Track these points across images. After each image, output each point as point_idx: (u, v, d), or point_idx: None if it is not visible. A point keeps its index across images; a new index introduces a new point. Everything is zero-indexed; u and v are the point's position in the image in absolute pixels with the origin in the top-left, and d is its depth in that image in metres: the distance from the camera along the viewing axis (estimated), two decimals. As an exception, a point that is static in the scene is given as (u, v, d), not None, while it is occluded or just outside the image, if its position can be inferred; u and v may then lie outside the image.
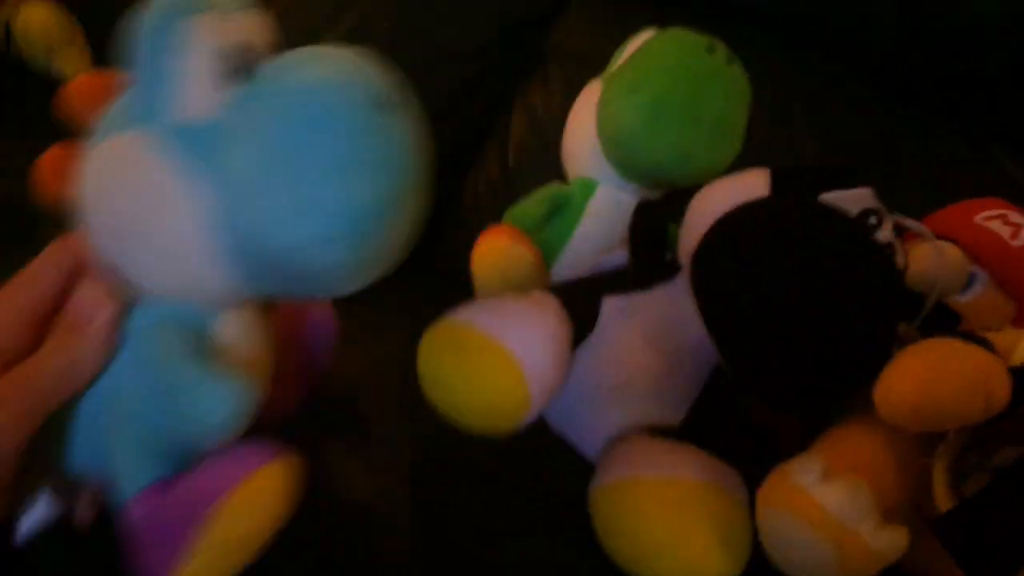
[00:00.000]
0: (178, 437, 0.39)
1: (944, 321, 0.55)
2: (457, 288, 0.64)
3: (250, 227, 0.37)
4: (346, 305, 0.63)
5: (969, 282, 0.59)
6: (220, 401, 0.38)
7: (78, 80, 0.43)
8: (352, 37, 0.89)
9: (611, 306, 0.52)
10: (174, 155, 0.38)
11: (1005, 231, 0.59)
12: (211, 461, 0.39)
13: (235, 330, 0.43)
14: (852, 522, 0.40)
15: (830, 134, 0.80)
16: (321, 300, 0.51)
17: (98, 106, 0.41)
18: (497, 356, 0.44)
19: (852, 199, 0.49)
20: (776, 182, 0.50)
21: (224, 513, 0.37)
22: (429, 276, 0.80)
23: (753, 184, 0.51)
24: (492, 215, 0.69)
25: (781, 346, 0.44)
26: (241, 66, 0.39)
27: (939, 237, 0.55)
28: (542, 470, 0.54)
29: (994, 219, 0.60)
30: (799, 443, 0.51)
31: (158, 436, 0.39)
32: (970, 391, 0.39)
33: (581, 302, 0.51)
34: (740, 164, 0.62)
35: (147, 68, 0.38)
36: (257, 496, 0.38)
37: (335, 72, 0.38)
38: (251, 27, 0.40)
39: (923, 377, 0.40)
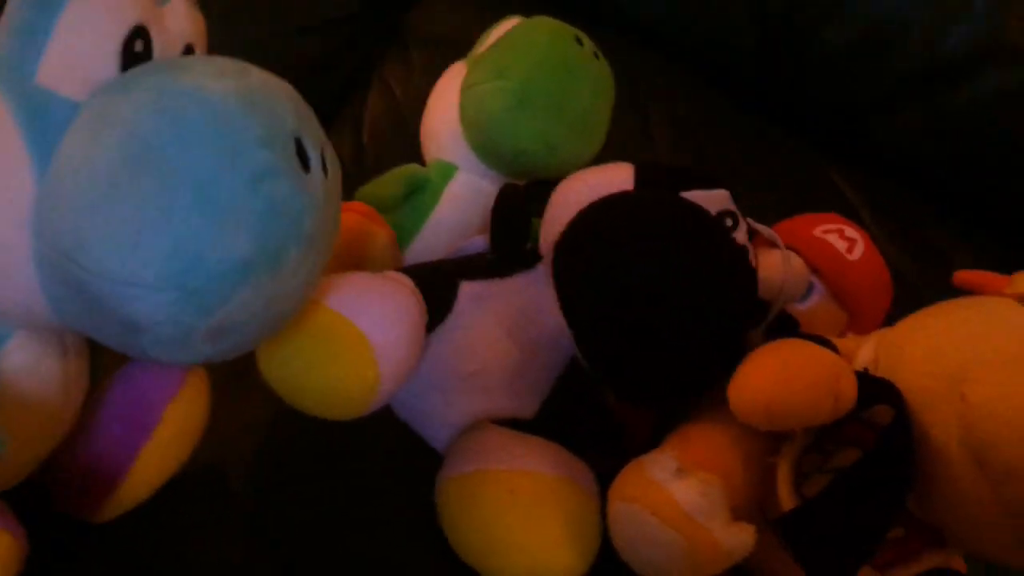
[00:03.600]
0: None
1: (785, 327, 0.56)
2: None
3: (67, 238, 0.30)
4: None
5: (807, 291, 0.61)
6: None
7: None
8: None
9: (468, 292, 0.50)
10: (15, 123, 0.31)
11: (841, 244, 0.62)
12: None
13: (26, 358, 0.36)
14: (704, 518, 0.40)
15: (684, 140, 0.82)
16: (138, 357, 0.42)
17: None
18: (347, 335, 0.41)
19: (711, 200, 0.50)
20: (639, 176, 0.50)
21: None
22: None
23: (617, 177, 0.50)
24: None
25: (639, 340, 0.44)
26: (140, 54, 0.32)
27: (781, 246, 0.56)
28: (385, 460, 0.51)
29: (831, 232, 0.63)
30: (647, 438, 0.51)
31: None
32: (821, 390, 0.40)
33: (437, 285, 0.49)
34: (597, 161, 0.62)
35: (26, 14, 0.31)
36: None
37: (244, 92, 0.31)
38: (180, 15, 0.34)
39: (776, 375, 0.40)
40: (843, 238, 0.63)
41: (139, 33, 0.32)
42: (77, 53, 0.31)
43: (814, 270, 0.61)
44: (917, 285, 0.77)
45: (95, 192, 0.30)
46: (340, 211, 0.37)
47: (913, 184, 0.83)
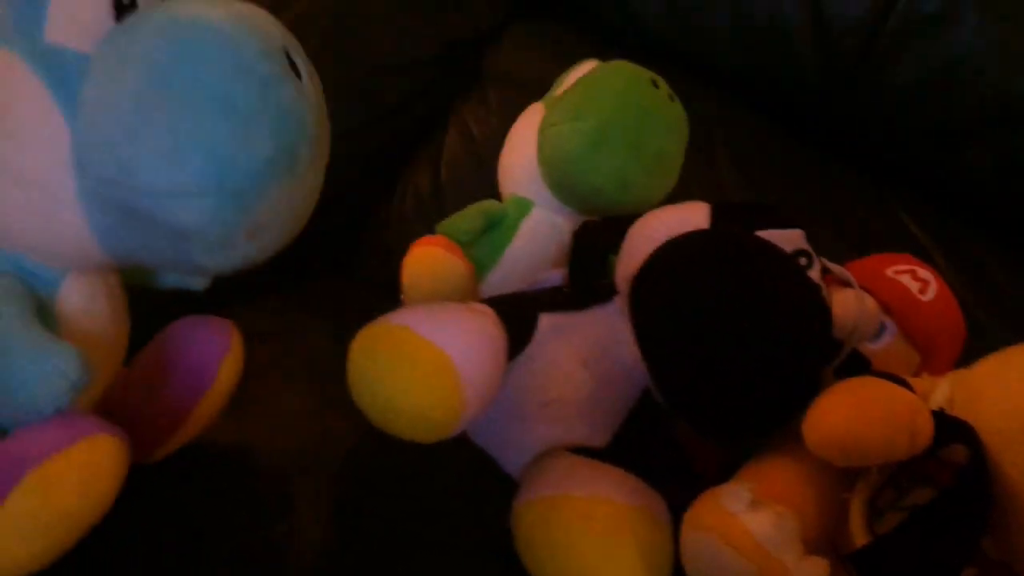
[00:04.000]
0: None
1: (857, 366, 0.56)
2: (376, 296, 0.63)
3: (111, 167, 0.34)
4: (262, 301, 0.62)
5: (879, 331, 0.61)
6: (47, 374, 0.34)
7: None
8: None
9: (546, 323, 0.52)
10: (38, 79, 0.35)
11: (914, 286, 0.62)
12: (31, 428, 0.35)
13: (80, 299, 0.39)
14: (777, 551, 0.40)
15: (751, 180, 0.83)
16: (195, 275, 0.47)
17: None
18: (435, 360, 0.43)
19: (785, 239, 0.50)
20: (715, 215, 0.51)
21: (34, 481, 0.33)
22: (347, 282, 0.78)
23: (693, 215, 0.51)
24: (418, 227, 0.69)
25: (714, 375, 0.45)
26: (128, 5, 0.36)
27: (853, 286, 0.57)
28: (459, 483, 0.52)
29: (904, 273, 0.63)
30: (715, 471, 0.52)
31: None
32: (897, 428, 0.40)
33: (518, 317, 0.50)
34: (668, 200, 0.63)
35: None
36: (76, 468, 0.34)
37: (237, 16, 0.35)
38: None
39: (853, 412, 0.41)
40: (916, 279, 0.63)
41: None
42: (77, 9, 0.35)
43: (886, 310, 0.61)
44: (986, 327, 0.76)
45: (129, 121, 0.33)
46: (326, 115, 0.40)
47: (981, 226, 0.82)
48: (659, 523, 0.46)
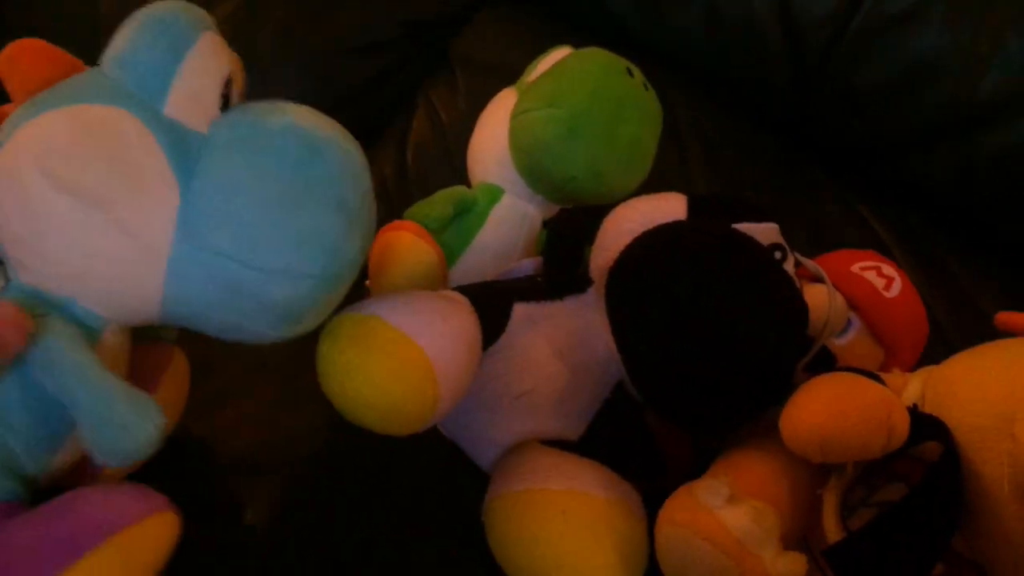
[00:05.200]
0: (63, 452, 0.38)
1: (823, 362, 0.57)
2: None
3: (227, 239, 0.37)
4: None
5: (845, 327, 0.61)
6: (148, 423, 0.36)
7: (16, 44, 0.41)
8: (236, 21, 0.84)
9: (520, 313, 0.51)
10: (157, 142, 0.37)
11: (879, 282, 0.62)
12: (90, 493, 0.37)
13: (112, 351, 0.41)
14: (755, 546, 0.40)
15: (718, 173, 0.83)
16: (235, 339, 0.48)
17: (36, 74, 0.39)
18: (408, 352, 0.42)
19: (761, 232, 0.50)
20: (692, 207, 0.51)
21: (115, 545, 0.35)
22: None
23: (670, 206, 0.51)
24: (382, 212, 0.67)
25: (690, 368, 0.44)
26: (227, 96, 0.40)
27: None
28: (430, 476, 0.52)
29: (869, 270, 0.64)
30: (687, 464, 0.52)
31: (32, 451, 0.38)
32: (875, 425, 0.40)
33: (492, 306, 0.49)
34: (639, 192, 0.62)
35: (147, 54, 0.38)
36: (145, 540, 0.36)
37: (341, 131, 0.41)
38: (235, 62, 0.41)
39: (831, 408, 0.41)
40: (881, 275, 0.63)
41: (228, 80, 0.40)
42: (200, 91, 0.39)
43: (852, 306, 0.62)
44: (945, 327, 0.77)
45: (259, 204, 0.37)
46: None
47: (942, 224, 0.83)
48: (635, 516, 0.45)
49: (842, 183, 0.85)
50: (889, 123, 0.81)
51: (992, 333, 0.49)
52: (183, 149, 0.37)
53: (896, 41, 0.78)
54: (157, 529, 0.37)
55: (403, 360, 0.42)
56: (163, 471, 0.45)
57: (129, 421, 0.35)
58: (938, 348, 0.61)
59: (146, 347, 0.47)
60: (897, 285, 0.62)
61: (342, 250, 0.39)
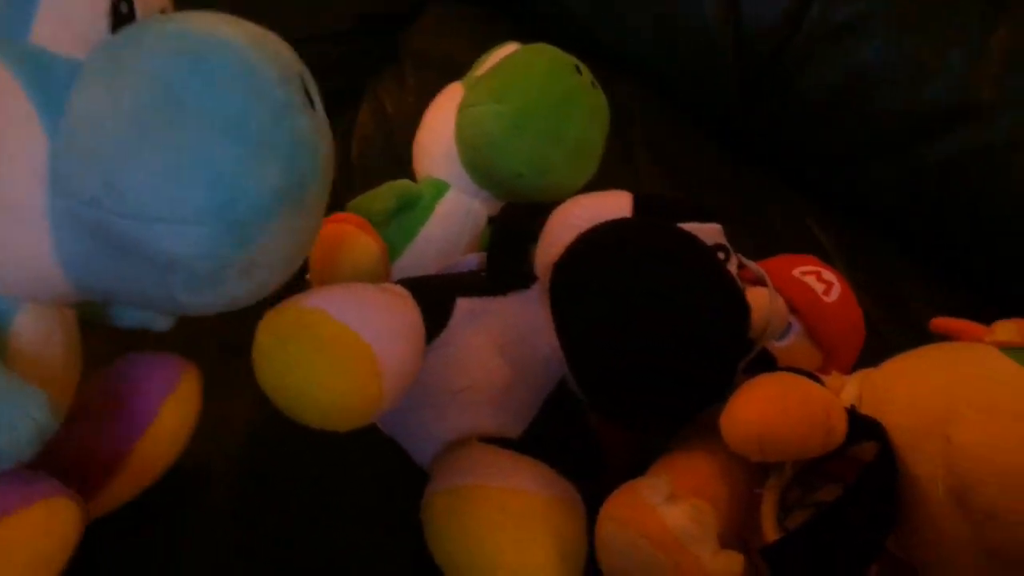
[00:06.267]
0: None
1: (763, 363, 0.57)
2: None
3: (95, 184, 0.30)
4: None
5: (785, 330, 0.62)
6: (14, 420, 0.31)
7: None
8: (181, 6, 0.81)
9: (463, 307, 0.50)
10: (16, 81, 0.31)
11: (819, 287, 0.63)
12: None
13: (35, 335, 0.35)
14: (693, 544, 0.40)
15: (665, 174, 0.83)
16: (167, 313, 0.43)
17: None
18: (352, 347, 0.40)
19: (704, 233, 0.51)
20: (638, 205, 0.51)
21: None
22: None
23: (616, 204, 0.51)
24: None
25: (633, 366, 0.44)
26: (126, 15, 0.34)
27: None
28: (367, 473, 0.51)
29: (809, 274, 0.64)
30: (627, 462, 0.51)
31: None
32: (813, 425, 0.40)
33: (434, 300, 0.49)
34: (585, 190, 0.62)
35: None
36: (29, 532, 0.32)
37: (255, 37, 0.33)
38: None
39: (770, 406, 0.41)
40: (821, 280, 0.64)
41: None
42: (70, 13, 0.33)
43: (792, 310, 0.62)
44: (882, 331, 0.78)
45: (124, 135, 0.30)
46: (333, 151, 0.38)
47: (883, 234, 0.85)
48: (574, 514, 0.45)
49: (788, 190, 0.87)
50: (833, 131, 0.83)
51: (928, 338, 0.50)
52: (49, 82, 0.31)
53: (841, 50, 0.80)
54: (42, 519, 0.32)
55: (347, 356, 0.40)
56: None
57: (4, 421, 0.30)
58: (876, 353, 0.62)
59: (149, 360, 0.43)
60: (836, 290, 0.63)
61: (240, 187, 0.31)
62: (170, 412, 0.42)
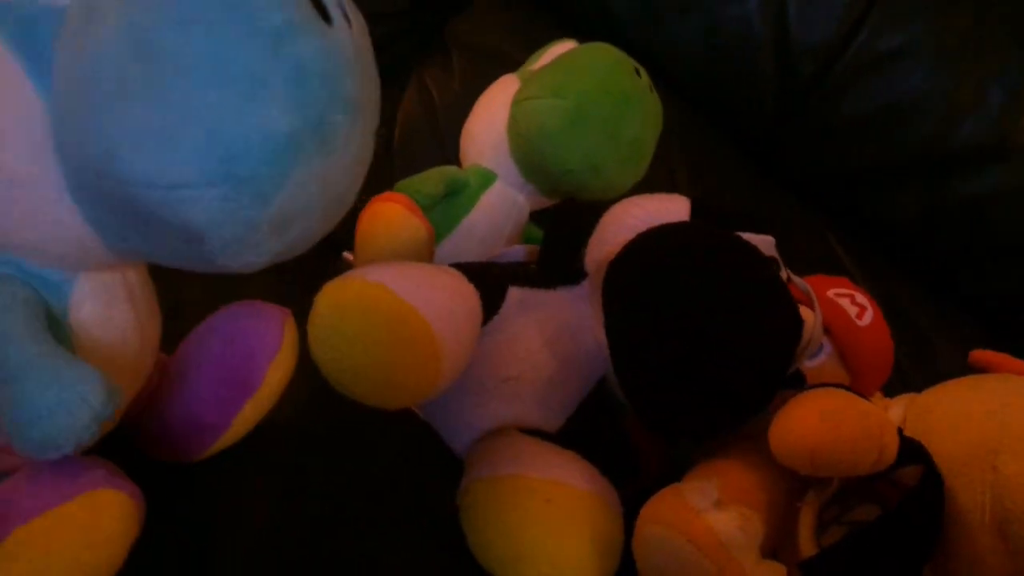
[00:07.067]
0: None
1: (794, 380, 0.57)
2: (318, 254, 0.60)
3: (95, 154, 0.27)
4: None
5: (818, 350, 0.62)
6: (65, 404, 0.28)
7: None
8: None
9: (514, 296, 0.50)
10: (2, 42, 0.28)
11: (852, 310, 0.64)
12: (31, 473, 0.31)
13: (96, 305, 0.34)
14: (738, 552, 0.40)
15: (696, 184, 0.83)
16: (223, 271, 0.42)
17: None
18: (414, 325, 0.40)
19: (759, 244, 0.50)
20: (695, 210, 0.51)
21: (19, 539, 0.29)
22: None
23: (674, 207, 0.51)
24: (364, 185, 0.65)
25: (682, 371, 0.44)
26: None
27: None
28: (403, 459, 0.50)
29: (844, 297, 0.65)
30: (660, 467, 0.51)
31: None
32: (868, 443, 0.40)
33: (488, 285, 0.48)
34: (630, 194, 0.62)
35: None
36: (71, 528, 0.30)
37: None
38: None
39: (826, 421, 0.41)
40: (854, 303, 0.64)
41: None
42: None
43: (825, 330, 0.62)
44: (899, 358, 0.78)
45: (108, 94, 0.26)
46: (376, 69, 0.33)
47: (905, 263, 0.85)
48: (613, 513, 0.45)
49: (814, 212, 0.87)
50: (865, 158, 0.83)
51: (946, 370, 0.50)
52: (36, 39, 0.28)
53: (883, 78, 0.80)
54: (86, 513, 0.30)
55: (408, 335, 0.40)
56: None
57: (57, 405, 0.28)
58: (895, 386, 0.62)
59: (249, 316, 0.41)
60: (869, 314, 0.64)
61: (245, 137, 0.26)
62: (274, 375, 0.41)
